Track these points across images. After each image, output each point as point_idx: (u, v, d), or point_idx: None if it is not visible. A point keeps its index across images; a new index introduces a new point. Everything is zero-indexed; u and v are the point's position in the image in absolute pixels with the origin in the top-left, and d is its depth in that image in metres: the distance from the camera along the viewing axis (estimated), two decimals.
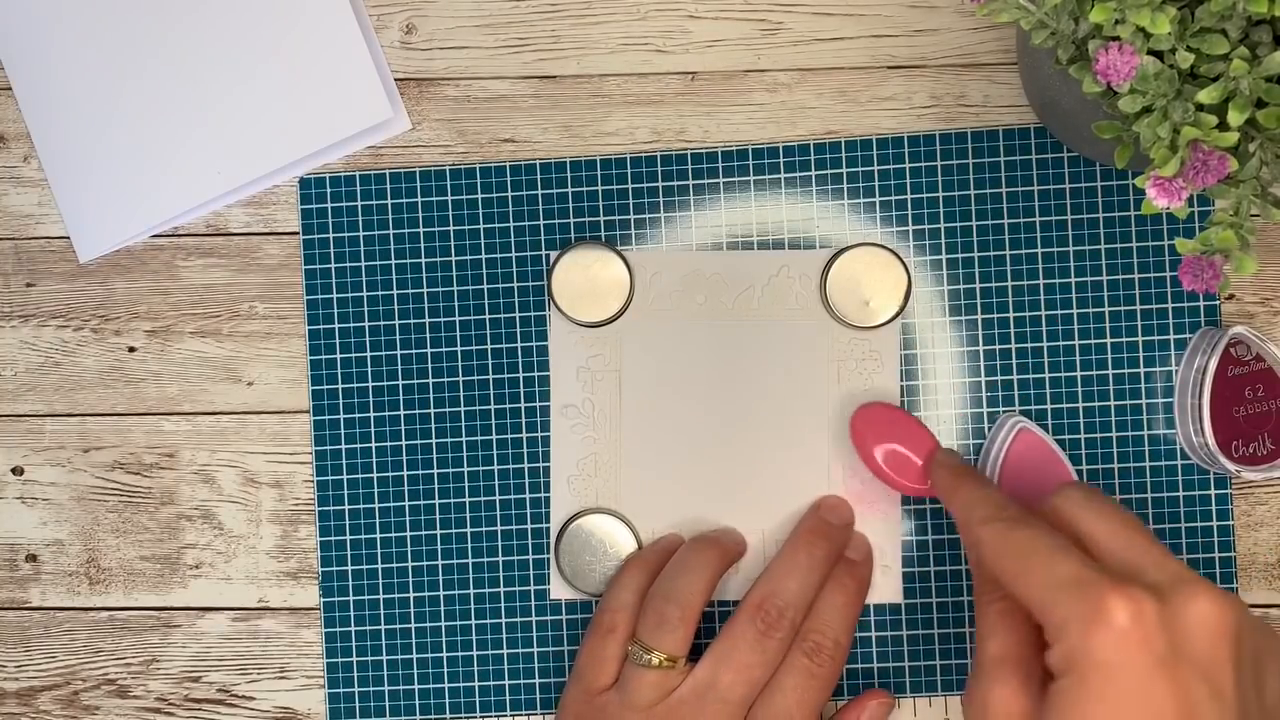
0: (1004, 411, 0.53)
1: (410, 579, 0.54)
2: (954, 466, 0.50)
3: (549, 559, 0.54)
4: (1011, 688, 0.44)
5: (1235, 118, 0.39)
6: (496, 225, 0.54)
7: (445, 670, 0.54)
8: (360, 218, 0.55)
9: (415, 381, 0.54)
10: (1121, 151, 0.42)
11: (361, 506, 0.54)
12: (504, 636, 0.54)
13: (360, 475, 0.54)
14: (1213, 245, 0.40)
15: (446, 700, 0.54)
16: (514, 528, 0.54)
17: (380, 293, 0.54)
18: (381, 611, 0.54)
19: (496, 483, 0.54)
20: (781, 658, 0.50)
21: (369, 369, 0.54)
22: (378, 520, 0.54)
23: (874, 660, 0.53)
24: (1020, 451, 0.52)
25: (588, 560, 0.54)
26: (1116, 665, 0.40)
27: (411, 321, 0.54)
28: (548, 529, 0.54)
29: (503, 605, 0.54)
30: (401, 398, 0.54)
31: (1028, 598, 0.43)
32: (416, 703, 0.54)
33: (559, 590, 0.54)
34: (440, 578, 0.54)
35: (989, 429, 0.53)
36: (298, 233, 0.55)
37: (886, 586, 0.53)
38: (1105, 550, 0.43)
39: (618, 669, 0.50)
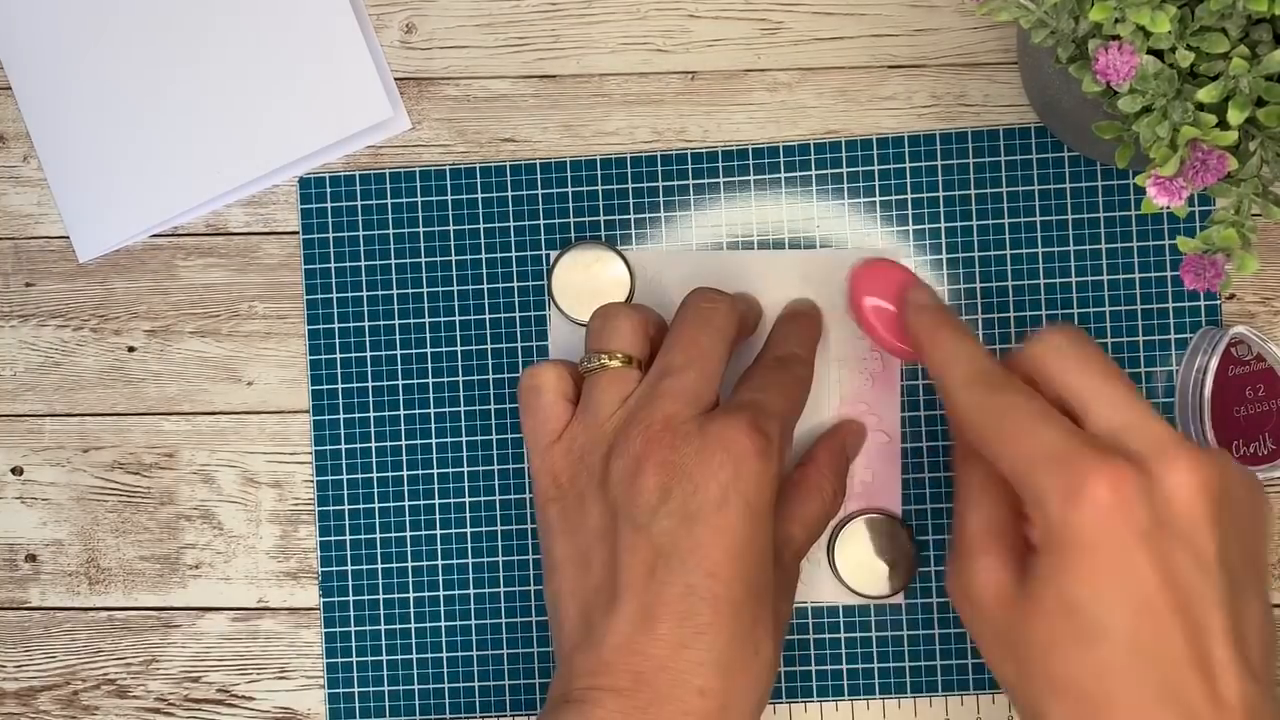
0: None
1: (410, 579, 0.54)
2: (930, 310, 0.48)
3: None
4: (995, 562, 0.43)
5: (1235, 116, 0.39)
6: (496, 225, 0.54)
7: (445, 670, 0.54)
8: (360, 217, 0.55)
9: (415, 381, 0.54)
10: (1122, 151, 0.42)
11: (361, 506, 0.54)
12: (504, 636, 0.54)
13: (360, 475, 0.54)
14: (1214, 244, 0.40)
15: (446, 700, 0.54)
16: (514, 528, 0.54)
17: (380, 293, 0.54)
18: (381, 611, 0.54)
19: (496, 483, 0.54)
20: (729, 342, 0.48)
21: (369, 369, 0.54)
22: (378, 520, 0.54)
23: (874, 660, 0.53)
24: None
25: None
26: (1097, 541, 0.40)
27: (411, 321, 0.54)
28: None
29: (503, 605, 0.54)
30: (401, 398, 0.54)
31: (1007, 468, 0.42)
32: (416, 703, 0.54)
33: None
34: (440, 578, 0.54)
35: None
36: (297, 232, 0.55)
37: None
38: (1087, 410, 0.42)
39: (568, 408, 0.48)
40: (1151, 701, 0.40)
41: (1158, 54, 0.40)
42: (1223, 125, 0.40)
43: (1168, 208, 0.39)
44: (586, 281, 0.54)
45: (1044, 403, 0.43)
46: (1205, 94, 0.39)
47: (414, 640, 0.54)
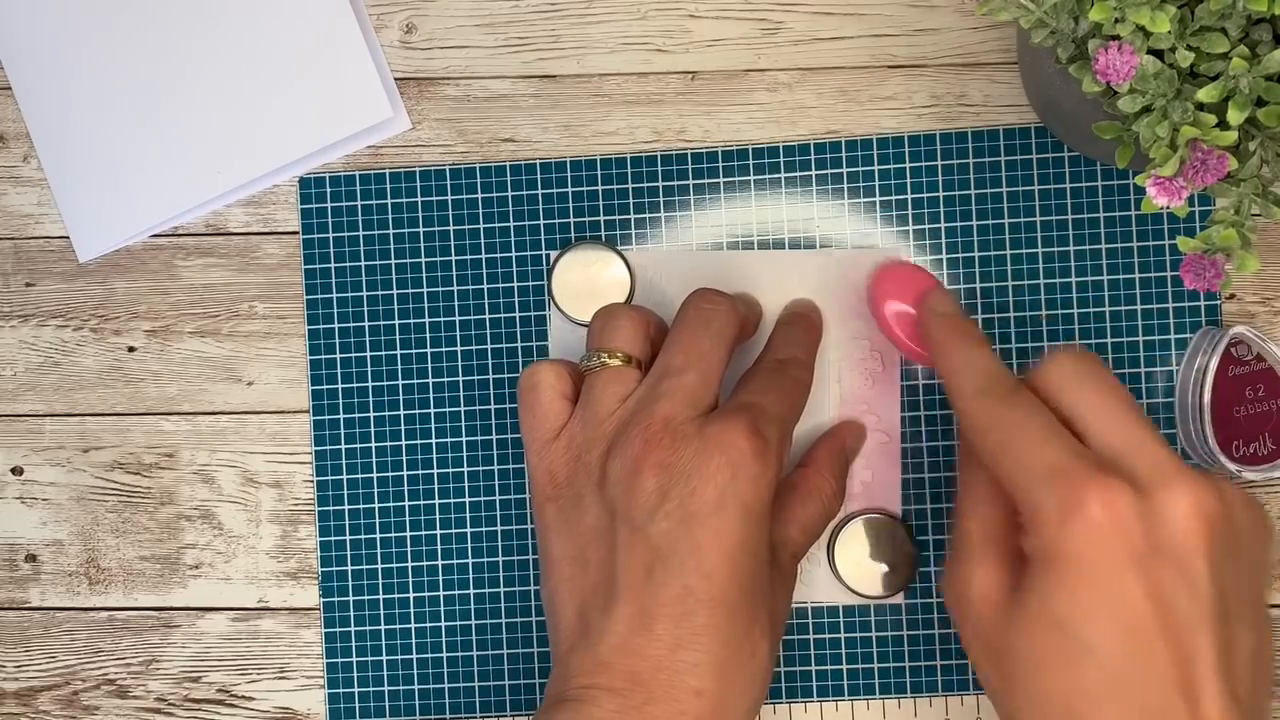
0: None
1: (410, 579, 0.54)
2: (947, 317, 0.48)
3: None
4: (990, 570, 0.43)
5: (1235, 116, 0.39)
6: (496, 225, 0.54)
7: (445, 670, 0.54)
8: (360, 217, 0.55)
9: (415, 381, 0.54)
10: (1122, 151, 0.42)
11: (361, 506, 0.54)
12: (504, 636, 0.54)
13: (360, 475, 0.54)
14: (1214, 244, 0.40)
15: (446, 700, 0.54)
16: (514, 528, 0.54)
17: (380, 293, 0.54)
18: (381, 611, 0.54)
19: (497, 483, 0.54)
20: (729, 344, 0.48)
21: (369, 369, 0.54)
22: (378, 520, 0.54)
23: (874, 660, 0.53)
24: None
25: None
26: (1089, 560, 0.40)
27: (411, 321, 0.54)
28: None
29: (503, 605, 0.54)
30: (401, 398, 0.54)
31: (1007, 479, 0.42)
32: (416, 703, 0.54)
33: None
34: (440, 578, 0.54)
35: None
36: (298, 232, 0.55)
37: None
38: (1092, 431, 0.42)
39: (566, 406, 0.48)
40: None
41: (1158, 54, 0.40)
42: (1223, 125, 0.40)
43: (1168, 208, 0.39)
44: (586, 281, 0.54)
45: (1050, 417, 0.42)
46: (1205, 94, 0.39)
47: (414, 640, 0.54)
